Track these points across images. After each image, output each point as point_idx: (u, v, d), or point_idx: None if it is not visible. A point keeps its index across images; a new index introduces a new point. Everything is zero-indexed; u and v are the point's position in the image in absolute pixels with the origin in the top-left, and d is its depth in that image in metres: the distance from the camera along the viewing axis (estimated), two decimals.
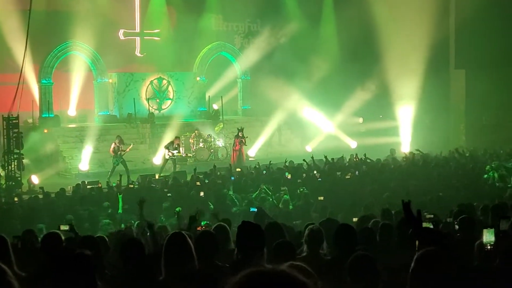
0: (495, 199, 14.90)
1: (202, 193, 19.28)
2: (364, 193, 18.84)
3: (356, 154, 27.25)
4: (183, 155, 29.69)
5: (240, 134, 30.20)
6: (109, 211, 18.02)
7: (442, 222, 11.09)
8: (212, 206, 17.91)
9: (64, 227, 10.07)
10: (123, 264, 7.07)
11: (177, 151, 28.33)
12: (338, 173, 22.18)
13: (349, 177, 21.85)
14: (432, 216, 11.19)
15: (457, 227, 9.62)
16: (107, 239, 8.82)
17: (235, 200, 18.83)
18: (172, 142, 28.43)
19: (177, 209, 17.53)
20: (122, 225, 15.32)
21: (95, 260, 5.26)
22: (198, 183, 21.19)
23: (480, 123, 36.89)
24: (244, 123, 35.29)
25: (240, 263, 6.12)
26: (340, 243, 7.45)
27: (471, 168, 23.23)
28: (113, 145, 27.59)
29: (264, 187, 19.67)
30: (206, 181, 21.98)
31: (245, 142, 30.45)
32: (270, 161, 25.91)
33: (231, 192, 19.61)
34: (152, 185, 22.37)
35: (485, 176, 21.93)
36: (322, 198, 17.39)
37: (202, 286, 5.98)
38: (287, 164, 24.78)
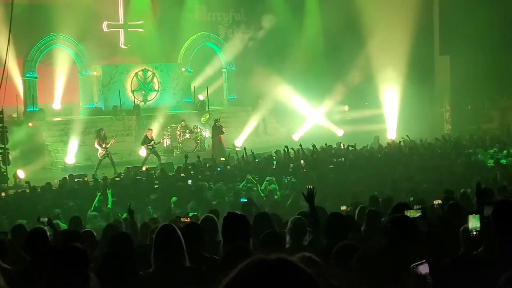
0: (479, 184, 14.96)
1: (190, 181, 19.49)
2: (352, 181, 18.88)
3: (348, 144, 27.24)
4: (160, 142, 29.62)
5: (218, 125, 30.27)
6: (97, 204, 17.98)
7: (428, 208, 11.12)
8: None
9: (44, 219, 10.04)
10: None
11: (153, 141, 28.32)
12: (331, 166, 22.05)
13: (332, 166, 21.80)
14: (420, 206, 11.23)
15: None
16: (94, 233, 8.80)
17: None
18: (146, 136, 28.47)
19: (173, 199, 17.63)
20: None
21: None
22: (182, 175, 21.19)
23: (465, 109, 37.02)
24: (230, 113, 35.44)
25: (227, 254, 6.14)
26: (331, 232, 7.47)
27: (454, 154, 23.37)
28: (96, 141, 27.65)
29: (250, 177, 19.69)
30: (192, 172, 21.98)
31: (224, 131, 30.55)
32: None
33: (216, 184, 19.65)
34: (138, 177, 22.32)
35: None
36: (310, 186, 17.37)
37: (191, 278, 5.98)
38: (274, 155, 24.79)
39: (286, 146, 25.46)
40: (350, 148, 26.31)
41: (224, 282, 2.32)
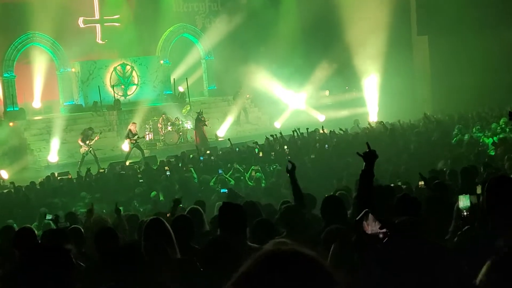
0: (464, 163, 15.02)
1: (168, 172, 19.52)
2: (337, 166, 18.84)
3: (323, 127, 27.30)
4: (144, 137, 29.68)
5: (201, 118, 30.20)
6: (86, 200, 17.96)
7: (414, 190, 11.15)
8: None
9: (49, 217, 10.03)
10: (99, 254, 7.03)
11: (137, 136, 28.24)
12: (313, 157, 21.92)
13: (313, 157, 21.60)
14: (404, 186, 11.26)
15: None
16: (82, 230, 8.76)
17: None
18: (129, 130, 28.38)
19: (152, 193, 17.58)
20: None
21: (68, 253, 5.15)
22: (166, 168, 21.14)
23: (446, 89, 37.06)
24: (211, 104, 35.42)
25: (223, 244, 6.13)
26: (328, 216, 7.42)
27: (439, 133, 23.38)
28: (80, 137, 27.57)
29: (238, 166, 19.67)
30: (180, 164, 21.96)
31: (207, 124, 30.47)
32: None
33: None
34: (122, 172, 22.29)
35: (454, 139, 22.22)
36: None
37: (183, 271, 5.97)
38: (258, 144, 24.75)
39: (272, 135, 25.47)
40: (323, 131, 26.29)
41: (235, 277, 2.28)
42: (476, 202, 6.19)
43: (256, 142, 24.96)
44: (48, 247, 5.08)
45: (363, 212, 4.79)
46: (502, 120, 23.92)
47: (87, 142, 27.23)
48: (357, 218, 4.79)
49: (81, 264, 7.20)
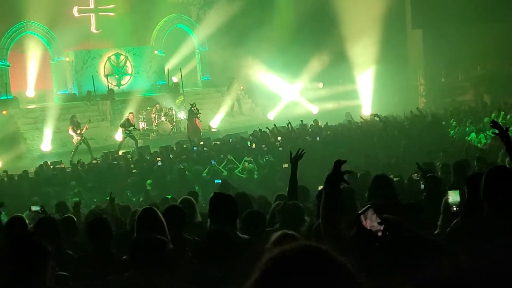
0: (457, 156, 15.07)
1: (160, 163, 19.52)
2: (331, 158, 18.86)
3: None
4: (138, 129, 29.73)
5: (193, 109, 30.15)
6: (75, 190, 17.96)
7: (406, 182, 11.19)
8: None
9: (35, 208, 10.05)
10: (92, 243, 7.05)
11: (132, 127, 28.24)
12: (304, 152, 21.90)
13: (305, 152, 21.56)
14: (398, 178, 11.30)
15: (422, 186, 9.72)
16: (75, 219, 8.77)
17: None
18: (127, 119, 28.35)
19: (148, 182, 17.61)
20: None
21: (52, 245, 5.10)
22: (159, 159, 21.16)
23: (439, 82, 37.11)
24: (205, 94, 35.35)
25: (215, 234, 6.15)
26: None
27: (432, 127, 23.45)
28: (70, 127, 27.57)
29: (231, 157, 19.70)
30: (171, 155, 21.97)
31: (199, 116, 30.42)
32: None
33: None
34: (114, 162, 22.29)
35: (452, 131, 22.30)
36: (286, 165, 17.38)
37: (175, 260, 5.98)
38: (250, 134, 24.79)
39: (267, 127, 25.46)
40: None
41: (252, 280, 2.14)
42: (464, 197, 6.20)
43: (253, 133, 24.99)
44: (14, 241, 5.04)
45: (365, 207, 4.79)
46: (493, 115, 24.02)
47: (78, 131, 27.22)
48: (358, 213, 4.80)
49: (70, 253, 7.24)
